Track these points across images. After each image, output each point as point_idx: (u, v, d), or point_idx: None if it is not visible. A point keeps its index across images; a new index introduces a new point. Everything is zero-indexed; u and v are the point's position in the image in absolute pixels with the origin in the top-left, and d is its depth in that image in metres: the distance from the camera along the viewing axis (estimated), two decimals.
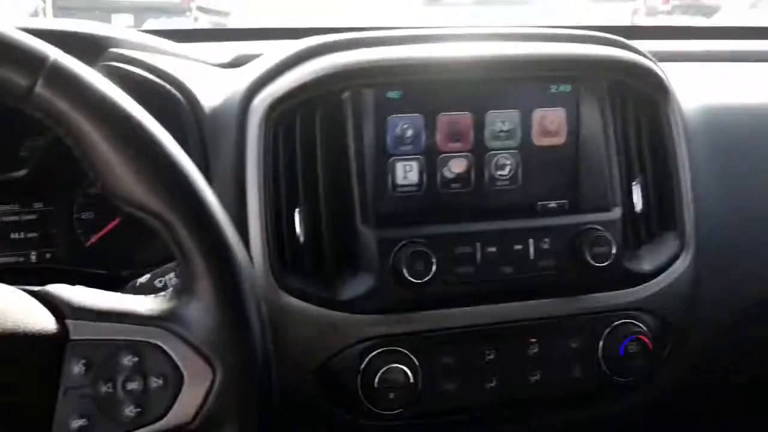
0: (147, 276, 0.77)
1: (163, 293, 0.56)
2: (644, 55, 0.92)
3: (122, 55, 0.87)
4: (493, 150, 0.87)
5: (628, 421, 1.00)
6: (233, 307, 0.53)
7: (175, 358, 0.52)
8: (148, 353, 0.52)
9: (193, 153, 0.83)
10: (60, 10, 4.44)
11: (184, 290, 0.53)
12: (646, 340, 0.86)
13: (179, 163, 0.53)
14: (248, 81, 0.84)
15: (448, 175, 0.86)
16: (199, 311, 0.53)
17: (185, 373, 0.52)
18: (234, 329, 0.53)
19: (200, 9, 6.24)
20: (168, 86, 0.83)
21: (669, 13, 7.75)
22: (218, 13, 6.47)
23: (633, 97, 0.92)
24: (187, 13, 6.26)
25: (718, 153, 0.98)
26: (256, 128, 0.81)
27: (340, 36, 0.86)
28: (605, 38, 0.93)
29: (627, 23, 6.31)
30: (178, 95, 0.82)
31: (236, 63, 0.97)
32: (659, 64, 0.95)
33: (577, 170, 0.89)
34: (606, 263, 0.83)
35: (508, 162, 0.87)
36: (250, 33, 1.17)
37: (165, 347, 0.52)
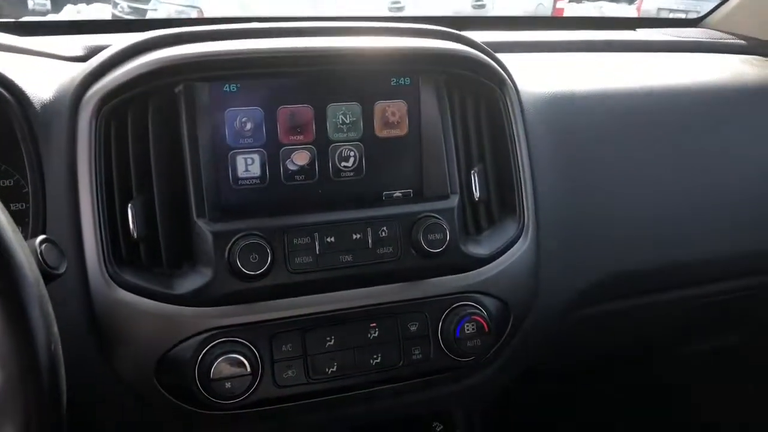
0: None
1: None
2: (481, 49, 0.95)
3: None
4: (336, 142, 0.89)
5: (475, 402, 1.05)
6: (12, 314, 0.53)
7: None
8: None
9: (23, 148, 0.82)
10: None
11: None
12: (482, 321, 0.90)
13: None
14: (81, 75, 0.83)
15: (292, 167, 0.87)
16: None
17: None
18: (13, 336, 0.53)
19: None
20: None
21: None
22: None
23: (472, 89, 0.96)
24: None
25: (557, 140, 1.03)
26: (87, 123, 0.80)
27: (180, 30, 0.86)
28: (444, 32, 0.96)
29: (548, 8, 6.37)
30: (5, 93, 0.81)
31: (87, 56, 0.96)
32: (503, 54, 0.99)
33: (420, 160, 0.92)
34: (441, 249, 0.87)
35: (352, 153, 0.90)
36: (106, 25, 1.14)
37: None
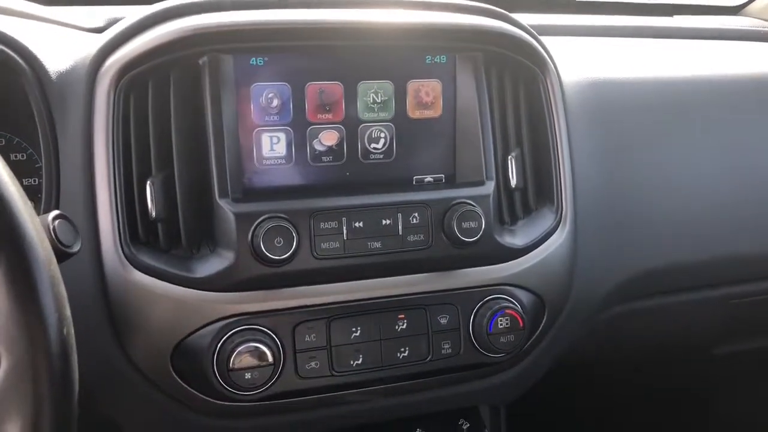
0: None
1: None
2: (523, 28, 0.90)
3: None
4: (367, 122, 0.84)
5: (503, 399, 1.01)
6: (22, 295, 0.49)
7: None
8: None
9: (37, 119, 0.78)
10: None
11: None
12: (517, 316, 0.86)
13: None
14: (100, 44, 0.78)
15: (319, 147, 0.83)
16: None
17: None
18: (22, 319, 0.49)
19: None
20: (6, 49, 0.76)
21: None
22: None
23: (511, 70, 0.91)
24: None
25: (597, 128, 0.97)
26: (105, 94, 0.76)
27: None
28: (485, 9, 0.90)
29: None
30: (17, 58, 0.76)
31: (107, 28, 0.91)
32: (541, 37, 0.93)
33: (453, 144, 0.87)
34: (475, 238, 0.82)
35: (382, 135, 0.85)
36: None
37: None
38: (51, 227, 0.58)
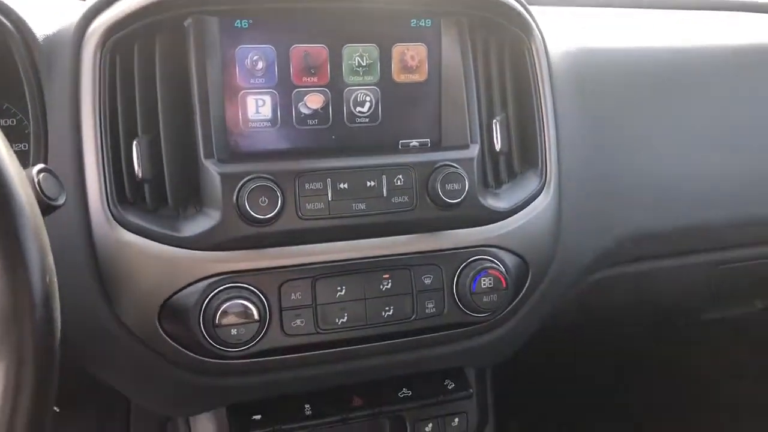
0: None
1: None
2: None
3: None
4: (352, 86, 0.85)
5: (488, 360, 1.02)
6: (6, 244, 0.50)
7: None
8: None
9: (25, 80, 0.79)
10: None
11: None
12: (500, 276, 0.87)
13: None
14: (85, 7, 0.79)
15: (304, 110, 0.83)
16: None
17: None
18: (6, 265, 0.50)
19: None
20: None
21: None
22: None
23: (496, 35, 0.91)
24: None
25: (583, 95, 0.98)
26: (91, 55, 0.76)
27: None
28: None
29: None
30: (5, 21, 0.77)
31: None
32: (533, 6, 0.94)
33: (438, 108, 0.88)
34: (459, 200, 0.83)
35: (368, 98, 0.85)
36: None
37: None
38: (36, 180, 0.59)
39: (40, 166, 0.61)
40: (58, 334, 0.53)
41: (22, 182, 0.53)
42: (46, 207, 0.60)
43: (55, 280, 0.53)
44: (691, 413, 1.51)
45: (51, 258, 0.53)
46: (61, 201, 0.61)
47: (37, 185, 0.59)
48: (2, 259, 0.49)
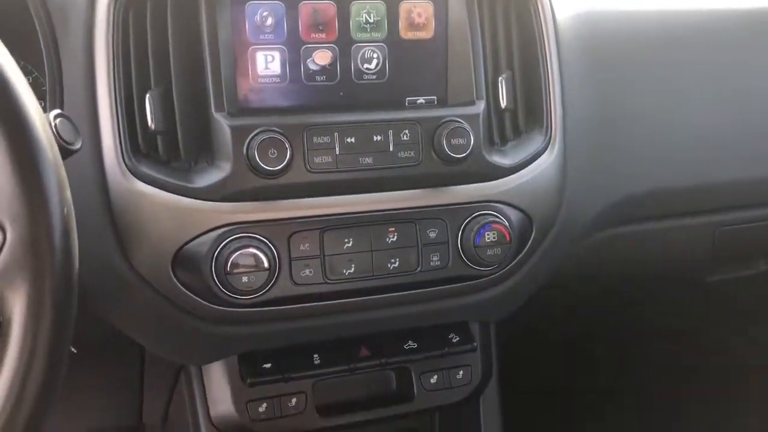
0: None
1: None
2: None
3: None
4: (359, 42, 0.86)
5: (493, 316, 1.05)
6: (27, 176, 0.53)
7: None
8: None
9: (41, 36, 0.81)
10: None
11: None
12: (504, 230, 0.89)
13: None
14: None
15: (313, 66, 0.85)
16: None
17: None
18: (26, 197, 0.52)
19: None
20: None
21: None
22: None
23: None
24: None
25: (589, 54, 0.99)
26: (105, 11, 0.78)
27: None
28: None
29: None
30: None
31: None
32: None
33: (445, 66, 0.89)
34: (464, 155, 0.85)
35: (375, 55, 0.87)
36: None
37: None
38: (53, 124, 0.62)
39: (57, 111, 0.64)
40: (76, 266, 0.56)
41: (41, 118, 0.56)
42: (63, 151, 0.63)
43: (73, 214, 0.56)
44: (691, 370, 1.53)
45: (69, 192, 0.56)
46: (77, 146, 0.64)
47: (54, 129, 0.62)
48: (23, 190, 0.52)
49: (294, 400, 0.96)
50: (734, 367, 1.49)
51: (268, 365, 0.94)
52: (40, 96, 0.90)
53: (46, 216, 0.53)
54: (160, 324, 0.88)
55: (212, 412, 0.97)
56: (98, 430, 1.27)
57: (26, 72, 0.90)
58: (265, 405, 0.95)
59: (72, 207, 0.56)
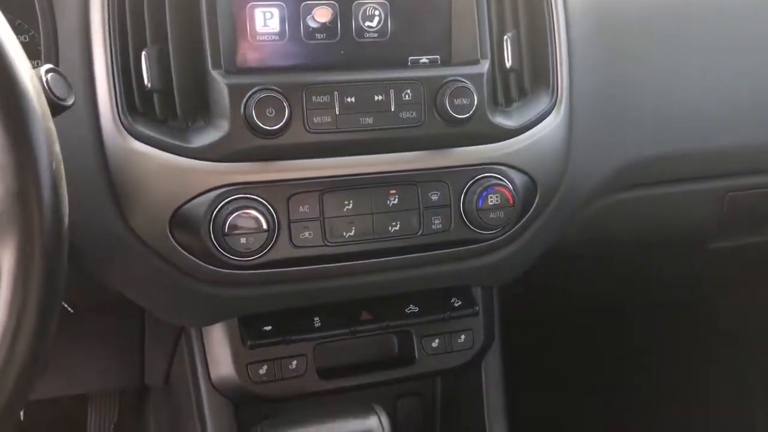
0: None
1: None
2: None
3: None
4: None
5: (495, 281, 1.04)
6: (14, 129, 0.52)
7: None
8: None
9: None
10: None
11: None
12: (507, 193, 0.87)
13: None
14: None
15: (313, 24, 0.83)
16: None
17: None
18: (13, 149, 0.51)
19: None
20: None
21: None
22: None
23: None
24: None
25: (597, 15, 0.97)
26: None
27: None
28: None
29: None
30: None
31: None
32: None
33: (449, 24, 0.86)
34: (467, 115, 0.83)
35: (377, 13, 0.84)
36: None
37: None
38: (44, 79, 0.60)
39: (48, 66, 0.62)
40: (66, 220, 0.55)
41: (28, 72, 0.54)
42: (55, 106, 0.61)
43: (62, 168, 0.55)
44: (693, 339, 1.53)
45: (58, 146, 0.55)
46: (70, 101, 0.62)
47: (45, 84, 0.60)
48: (10, 143, 0.51)
49: (294, 363, 0.96)
50: (727, 335, 1.49)
51: (269, 328, 0.93)
52: (37, 56, 0.89)
53: (34, 168, 0.52)
54: (159, 286, 0.87)
55: (212, 374, 0.97)
56: (100, 393, 1.29)
57: (22, 30, 0.88)
58: (265, 367, 0.95)
59: (61, 161, 0.55)
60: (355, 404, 0.97)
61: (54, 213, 0.53)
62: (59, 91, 0.61)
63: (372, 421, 0.94)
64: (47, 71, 0.61)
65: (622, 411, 1.59)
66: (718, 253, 1.22)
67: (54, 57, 0.80)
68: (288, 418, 0.94)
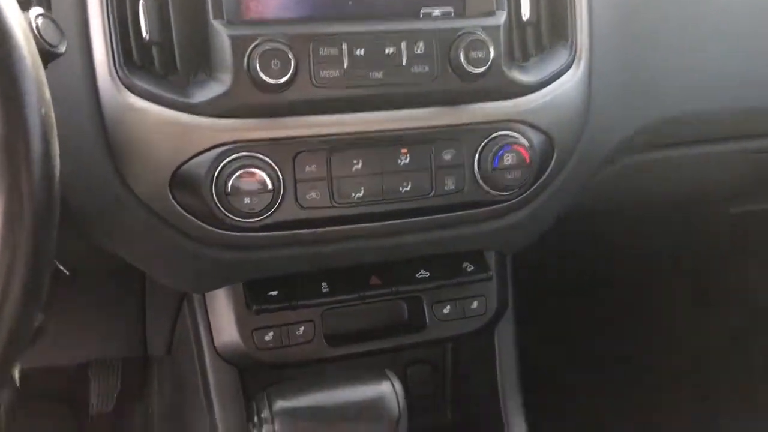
0: None
1: None
2: None
3: None
4: None
5: (509, 245, 1.00)
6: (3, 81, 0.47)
7: None
8: None
9: None
10: None
11: None
12: (524, 152, 0.83)
13: None
14: None
15: None
16: None
17: None
18: (5, 100, 0.47)
19: None
20: None
21: None
22: None
23: None
24: None
25: None
26: None
27: None
28: None
29: None
30: None
31: None
32: None
33: None
34: (483, 69, 0.78)
35: None
36: None
37: None
38: (34, 24, 0.56)
39: (39, 10, 0.58)
40: (57, 171, 0.51)
41: (16, 15, 0.50)
42: (46, 53, 0.57)
43: (52, 115, 0.51)
44: (711, 309, 1.50)
45: (47, 92, 0.51)
46: (62, 49, 0.58)
47: (35, 29, 0.56)
48: None
49: (302, 329, 0.93)
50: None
51: (275, 293, 0.90)
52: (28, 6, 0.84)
53: (22, 115, 0.48)
54: (159, 249, 0.84)
55: (216, 341, 0.94)
56: (102, 362, 1.26)
57: None
58: (271, 333, 0.92)
59: (52, 109, 0.51)
60: (366, 370, 0.94)
61: (44, 162, 0.49)
62: (50, 37, 0.57)
63: (385, 387, 0.90)
64: (38, 15, 0.57)
65: (640, 380, 1.57)
66: (739, 217, 1.18)
67: (46, 3, 0.75)
68: (297, 383, 0.91)
